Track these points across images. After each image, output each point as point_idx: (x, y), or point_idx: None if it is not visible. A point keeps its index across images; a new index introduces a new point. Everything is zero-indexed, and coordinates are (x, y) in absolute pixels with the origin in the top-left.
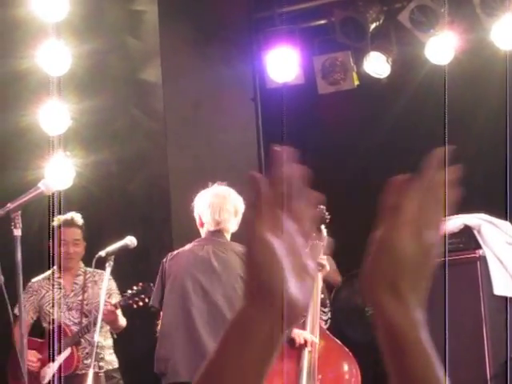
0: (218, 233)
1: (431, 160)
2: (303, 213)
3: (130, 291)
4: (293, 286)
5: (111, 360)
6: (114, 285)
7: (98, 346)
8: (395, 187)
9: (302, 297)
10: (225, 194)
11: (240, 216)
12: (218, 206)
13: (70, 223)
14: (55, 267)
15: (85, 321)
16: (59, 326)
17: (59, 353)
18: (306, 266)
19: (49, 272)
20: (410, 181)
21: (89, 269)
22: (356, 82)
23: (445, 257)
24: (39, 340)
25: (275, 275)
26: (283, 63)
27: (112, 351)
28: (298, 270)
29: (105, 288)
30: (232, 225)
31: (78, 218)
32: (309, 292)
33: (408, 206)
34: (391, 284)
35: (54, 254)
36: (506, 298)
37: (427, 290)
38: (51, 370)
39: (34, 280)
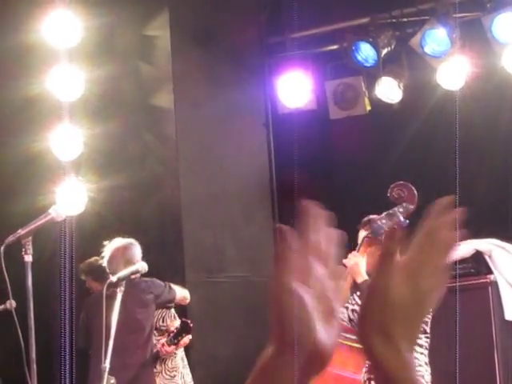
0: None
1: (432, 208)
2: (330, 255)
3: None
4: (321, 333)
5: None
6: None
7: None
8: (392, 234)
9: (330, 341)
10: None
11: None
12: None
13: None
14: None
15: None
16: None
17: None
18: (334, 310)
19: None
20: (408, 229)
21: None
22: (368, 107)
23: (456, 282)
24: None
25: (304, 326)
26: (295, 88)
27: (173, 374)
28: (326, 315)
29: (116, 313)
30: None
31: (81, 267)
32: (336, 336)
33: (404, 253)
34: (383, 329)
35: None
36: None
37: (419, 333)
38: None
39: None
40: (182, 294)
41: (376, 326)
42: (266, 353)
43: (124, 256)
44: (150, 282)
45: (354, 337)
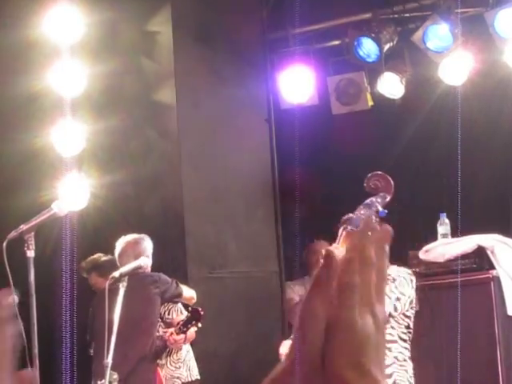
0: None
1: (361, 237)
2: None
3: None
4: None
5: (170, 376)
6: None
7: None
8: (344, 264)
9: None
10: None
11: None
12: None
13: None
14: None
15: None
16: None
17: None
18: None
19: None
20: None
21: None
22: (370, 103)
23: (458, 277)
24: None
25: (318, 354)
26: (297, 84)
27: (178, 366)
28: None
29: (119, 308)
30: None
31: (87, 263)
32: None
33: (357, 283)
34: (357, 363)
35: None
36: None
37: (384, 358)
38: None
39: None
40: (189, 293)
41: (349, 360)
42: (280, 365)
43: (134, 250)
44: (157, 277)
45: None
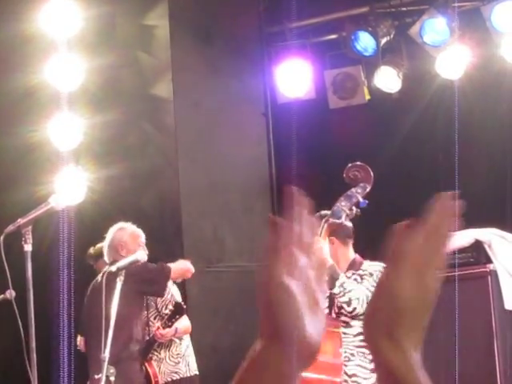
0: None
1: (434, 205)
2: (311, 245)
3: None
4: (308, 325)
5: (169, 371)
6: (170, 294)
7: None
8: (397, 233)
9: (317, 333)
10: None
11: None
12: None
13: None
14: None
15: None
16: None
17: None
18: (318, 300)
19: None
20: (412, 226)
21: None
22: (367, 97)
23: (455, 271)
24: None
25: (293, 318)
26: (294, 78)
27: (177, 361)
28: (312, 306)
29: (116, 303)
30: None
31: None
32: (322, 326)
33: (409, 253)
34: (389, 331)
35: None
36: None
37: (424, 332)
38: None
39: None
40: (180, 265)
41: (384, 328)
42: (256, 346)
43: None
44: (134, 270)
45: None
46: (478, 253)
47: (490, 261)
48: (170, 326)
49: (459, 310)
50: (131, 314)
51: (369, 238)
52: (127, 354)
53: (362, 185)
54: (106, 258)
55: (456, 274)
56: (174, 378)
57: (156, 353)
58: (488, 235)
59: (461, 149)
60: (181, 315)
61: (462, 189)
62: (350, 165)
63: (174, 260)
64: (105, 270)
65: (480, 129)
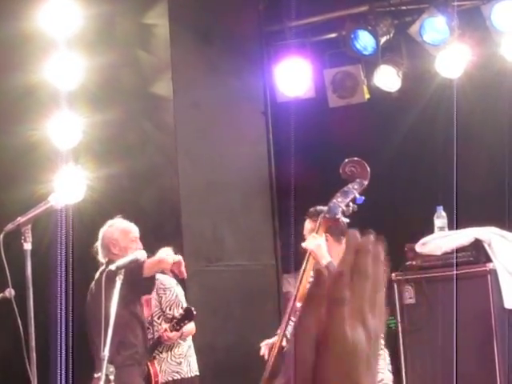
0: None
1: (357, 245)
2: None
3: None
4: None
5: (170, 371)
6: (175, 295)
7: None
8: (335, 279)
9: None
10: None
11: None
12: None
13: None
14: None
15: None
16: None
17: None
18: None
19: None
20: (346, 270)
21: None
22: (367, 96)
23: (455, 270)
24: None
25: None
26: (294, 77)
27: (179, 361)
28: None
29: (115, 301)
30: None
31: None
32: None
33: (349, 296)
34: (345, 375)
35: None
36: None
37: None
38: None
39: None
40: (162, 254)
41: (339, 374)
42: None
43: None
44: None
45: None
46: (477, 252)
47: (489, 260)
48: (177, 330)
49: (458, 308)
50: (121, 318)
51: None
52: (121, 360)
53: (358, 181)
54: (100, 258)
55: (455, 273)
56: (175, 378)
57: (158, 352)
58: (488, 234)
59: (460, 148)
60: (190, 320)
61: (461, 188)
62: (346, 160)
63: None
64: (103, 268)
65: (480, 128)
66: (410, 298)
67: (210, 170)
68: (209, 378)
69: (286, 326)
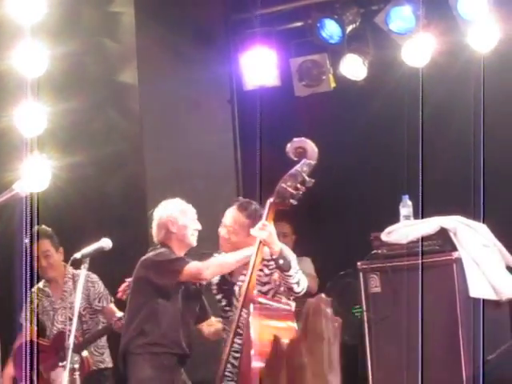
0: None
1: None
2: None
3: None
4: None
5: (97, 361)
6: (102, 287)
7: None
8: (292, 345)
9: None
10: None
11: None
12: None
13: (36, 237)
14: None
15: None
16: (60, 332)
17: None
18: None
19: (41, 282)
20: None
21: (77, 271)
22: (333, 85)
23: (421, 259)
24: (45, 343)
25: None
26: (260, 65)
27: (101, 352)
28: None
29: (80, 290)
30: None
31: (43, 229)
32: None
33: (308, 361)
34: None
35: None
36: (481, 301)
37: None
38: (62, 374)
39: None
40: None
41: None
42: None
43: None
44: None
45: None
46: (443, 240)
47: (455, 248)
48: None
49: (424, 297)
50: (140, 305)
51: (335, 223)
52: (133, 347)
53: (306, 162)
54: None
55: (421, 261)
56: (100, 367)
57: None
58: (453, 223)
59: (426, 136)
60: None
61: (427, 176)
62: (293, 140)
63: (138, 246)
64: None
65: (446, 117)
66: (376, 286)
67: (175, 158)
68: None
69: (239, 319)
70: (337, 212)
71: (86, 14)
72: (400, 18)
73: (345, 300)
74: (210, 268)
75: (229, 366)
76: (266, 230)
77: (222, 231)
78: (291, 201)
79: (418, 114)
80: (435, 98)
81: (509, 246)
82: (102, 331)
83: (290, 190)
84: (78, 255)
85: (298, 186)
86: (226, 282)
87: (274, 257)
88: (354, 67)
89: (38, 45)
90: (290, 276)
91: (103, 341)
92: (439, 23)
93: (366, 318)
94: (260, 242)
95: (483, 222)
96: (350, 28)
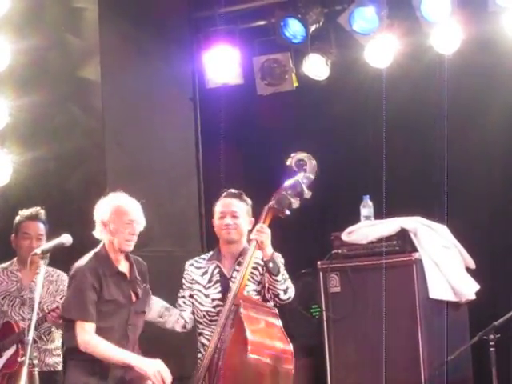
0: None
1: None
2: None
3: None
4: None
5: (53, 362)
6: (65, 287)
7: (38, 347)
8: None
9: None
10: None
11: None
12: None
13: (34, 217)
14: (15, 259)
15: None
16: (7, 322)
17: (5, 349)
18: None
19: (8, 263)
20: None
21: (48, 268)
22: (295, 84)
23: (382, 259)
24: None
25: None
26: (223, 63)
27: (57, 353)
28: None
29: (40, 286)
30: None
31: (42, 213)
32: None
33: None
34: None
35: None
36: (441, 302)
37: None
38: None
39: None
40: None
41: None
42: None
43: None
44: None
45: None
46: (403, 241)
47: (415, 249)
48: None
49: (384, 297)
50: None
51: (296, 222)
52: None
53: (306, 175)
54: None
55: (382, 262)
56: (57, 369)
57: (44, 343)
58: (414, 224)
59: (389, 137)
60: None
61: (390, 178)
62: (295, 153)
63: (98, 242)
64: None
65: (409, 117)
66: (336, 286)
67: (137, 155)
68: None
69: (229, 314)
70: (298, 211)
71: (50, 9)
72: (363, 19)
73: (304, 299)
74: (93, 348)
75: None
76: (264, 232)
77: (229, 220)
78: (287, 210)
79: (381, 115)
80: (398, 99)
81: (470, 247)
82: (39, 320)
83: (289, 198)
84: (38, 251)
85: (296, 197)
86: (223, 275)
87: (264, 259)
88: (316, 67)
89: (0, 39)
90: (278, 281)
91: (60, 342)
92: (402, 24)
93: (324, 318)
94: (256, 243)
95: (446, 224)
96: (313, 28)
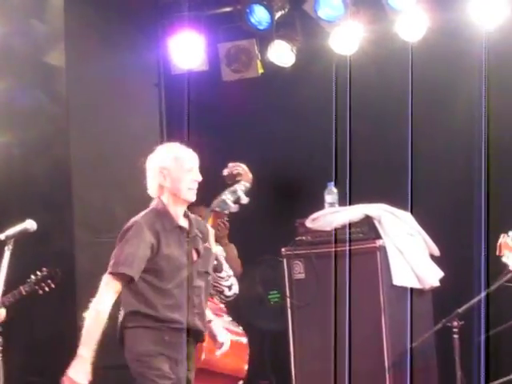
0: None
1: None
2: None
3: (34, 276)
4: None
5: None
6: None
7: None
8: None
9: None
10: None
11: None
12: None
13: None
14: None
15: None
16: None
17: None
18: None
19: None
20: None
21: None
22: (260, 70)
23: (346, 246)
24: None
25: None
26: (188, 49)
27: None
28: None
29: (4, 273)
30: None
31: None
32: None
33: None
34: None
35: None
36: (405, 289)
37: None
38: None
39: None
40: None
41: None
42: None
43: None
44: None
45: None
46: (367, 228)
47: (379, 236)
48: (42, 289)
49: (348, 284)
50: None
51: (260, 209)
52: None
53: (243, 183)
54: None
55: (346, 248)
56: None
57: None
58: (378, 211)
59: (354, 124)
60: (54, 281)
61: (354, 162)
62: (231, 164)
63: (62, 228)
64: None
65: (374, 104)
66: (300, 273)
67: (101, 142)
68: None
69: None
70: (262, 198)
71: None
72: (329, 6)
73: (267, 285)
74: (92, 309)
75: None
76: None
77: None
78: (226, 213)
79: (346, 102)
80: (363, 86)
81: (435, 234)
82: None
83: (228, 203)
84: (1, 236)
85: (235, 202)
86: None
87: None
88: (282, 54)
89: None
90: (222, 278)
91: None
92: (368, 11)
93: (288, 305)
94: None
95: (410, 211)
96: (278, 14)
